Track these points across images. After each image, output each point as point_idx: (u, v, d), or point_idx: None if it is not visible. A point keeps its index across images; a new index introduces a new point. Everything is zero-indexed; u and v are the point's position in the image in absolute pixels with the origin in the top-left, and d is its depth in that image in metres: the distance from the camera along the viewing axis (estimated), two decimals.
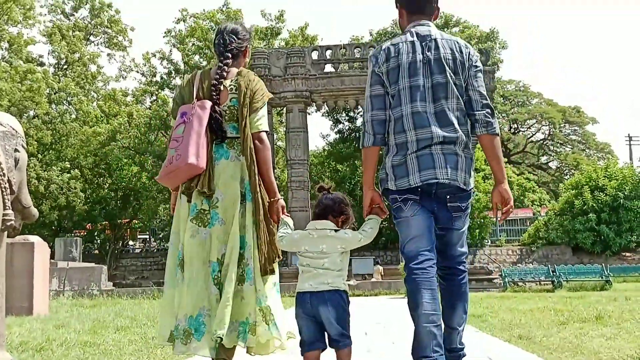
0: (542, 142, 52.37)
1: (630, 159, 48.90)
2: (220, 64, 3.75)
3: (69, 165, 31.62)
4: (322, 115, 37.39)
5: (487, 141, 3.47)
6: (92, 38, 38.32)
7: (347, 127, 38.67)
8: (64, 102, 34.09)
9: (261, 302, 3.54)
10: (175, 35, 34.32)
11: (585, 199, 29.64)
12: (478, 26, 37.20)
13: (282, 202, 3.76)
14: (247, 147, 3.59)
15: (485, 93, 3.52)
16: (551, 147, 52.84)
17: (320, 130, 76.72)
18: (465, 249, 3.62)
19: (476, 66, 3.52)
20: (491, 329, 7.03)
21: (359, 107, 29.26)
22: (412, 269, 3.33)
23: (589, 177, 31.03)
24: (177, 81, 35.29)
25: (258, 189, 3.60)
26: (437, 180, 3.33)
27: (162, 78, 35.41)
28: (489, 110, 3.47)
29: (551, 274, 23.58)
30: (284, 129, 28.09)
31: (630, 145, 51.54)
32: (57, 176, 30.00)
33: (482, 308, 10.69)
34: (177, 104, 3.78)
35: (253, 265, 3.56)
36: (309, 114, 30.19)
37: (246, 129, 3.60)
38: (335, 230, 3.44)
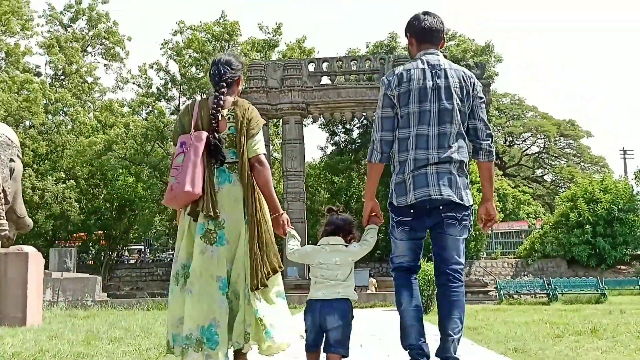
0: (537, 155, 52.49)
1: (625, 172, 49.00)
2: (216, 94, 4.05)
3: (64, 176, 31.52)
4: (319, 127, 37.45)
5: (486, 167, 3.93)
6: (89, 49, 38.31)
7: (343, 139, 38.71)
8: (61, 112, 34.02)
9: (257, 313, 3.90)
10: (172, 47, 34.32)
11: (581, 210, 29.68)
12: (474, 40, 37.39)
13: (285, 216, 4.10)
14: (244, 172, 3.96)
15: (488, 123, 3.92)
16: (546, 160, 52.96)
17: (315, 142, 77.01)
18: (461, 259, 3.87)
19: (481, 97, 3.90)
20: (486, 342, 7.02)
21: (355, 119, 29.33)
22: (396, 277, 3.93)
23: (585, 190, 31.09)
24: (174, 92, 35.25)
25: (253, 212, 3.96)
26: (430, 197, 3.70)
27: (158, 89, 35.39)
28: (491, 140, 3.90)
29: (546, 286, 23.59)
30: (280, 140, 28.10)
31: (624, 158, 51.71)
32: (52, 186, 29.89)
33: (478, 320, 10.68)
34: (177, 132, 4.11)
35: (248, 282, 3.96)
36: (305, 125, 30.22)
37: (244, 156, 3.97)
38: (345, 246, 3.88)
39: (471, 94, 3.83)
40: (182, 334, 3.80)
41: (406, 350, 3.79)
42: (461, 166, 3.79)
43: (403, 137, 3.78)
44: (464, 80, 3.83)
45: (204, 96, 3.83)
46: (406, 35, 4.15)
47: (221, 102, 4.03)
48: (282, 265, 4.08)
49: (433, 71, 3.81)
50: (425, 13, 4.04)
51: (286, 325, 3.98)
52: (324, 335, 3.70)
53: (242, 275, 3.92)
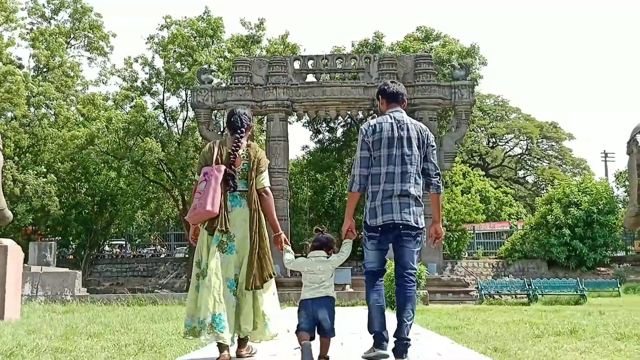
0: (519, 156, 52.87)
1: (606, 175, 49.53)
2: (236, 136, 5.28)
3: (45, 170, 31.15)
4: (303, 125, 37.40)
5: (434, 197, 5.22)
6: (72, 42, 37.89)
7: (327, 137, 38.67)
8: (43, 105, 33.60)
9: (261, 307, 5.11)
10: (157, 41, 34.01)
11: (557, 215, 29.89)
12: (458, 41, 37.46)
13: (283, 235, 5.34)
14: (252, 199, 5.16)
15: (437, 164, 5.18)
16: (528, 162, 53.37)
17: (298, 140, 76.93)
18: (415, 266, 5.12)
19: (432, 145, 5.16)
20: (467, 341, 7.05)
21: (340, 117, 29.33)
22: (367, 279, 5.12)
23: (563, 193, 31.32)
24: (159, 87, 34.95)
25: (256, 230, 5.13)
26: (393, 221, 4.95)
27: (143, 83, 35.06)
28: (439, 177, 5.16)
29: (527, 287, 23.79)
30: (265, 137, 28.03)
31: (605, 161, 52.24)
32: (33, 180, 29.54)
33: (458, 320, 10.72)
34: (200, 164, 5.29)
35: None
36: (290, 123, 30.14)
37: (252, 187, 5.18)
38: (327, 257, 5.10)
39: (425, 142, 5.10)
40: (199, 318, 4.89)
41: (371, 334, 4.97)
42: (417, 198, 5.02)
43: (375, 173, 5.01)
44: (420, 132, 5.10)
45: (223, 138, 4.97)
46: (378, 98, 5.44)
47: (239, 143, 5.23)
48: (275, 272, 5.27)
49: (398, 125, 5.06)
50: (392, 82, 5.42)
51: (279, 319, 5.20)
52: (316, 323, 4.87)
53: (247, 280, 5.03)
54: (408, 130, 5.05)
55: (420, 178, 5.06)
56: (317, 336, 4.95)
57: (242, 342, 5.20)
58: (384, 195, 4.94)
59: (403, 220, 4.93)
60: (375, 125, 5.09)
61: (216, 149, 5.23)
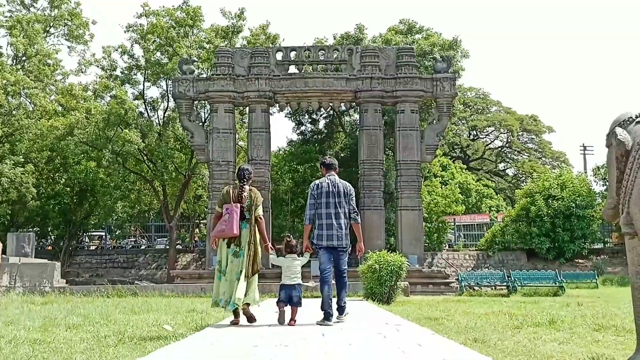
0: (500, 149, 53.21)
1: (585, 168, 49.98)
2: (241, 184, 8.05)
3: (22, 160, 30.68)
4: (285, 116, 37.29)
5: (355, 226, 8.23)
6: (52, 30, 37.36)
7: (309, 129, 38.58)
8: (20, 95, 33.03)
9: (250, 286, 7.94)
10: (136, 30, 33.58)
11: (540, 206, 30.17)
12: (441, 34, 37.45)
13: (269, 244, 8.14)
14: (251, 223, 7.94)
15: (355, 206, 8.24)
16: (509, 155, 53.72)
17: (280, 131, 76.71)
18: (345, 267, 8.21)
19: (351, 194, 8.20)
20: (447, 332, 7.10)
21: (322, 109, 29.29)
22: (322, 275, 8.13)
23: (542, 186, 31.57)
24: (139, 77, 34.56)
25: (252, 241, 7.90)
26: (333, 245, 8.02)
27: (123, 72, 34.63)
28: (356, 213, 8.22)
29: (506, 279, 23.98)
30: (246, 128, 27.81)
31: (584, 154, 52.71)
32: (9, 170, 29.09)
33: (439, 311, 10.80)
34: (221, 201, 8.01)
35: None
36: (272, 114, 30.02)
37: (252, 216, 7.95)
38: (297, 258, 8.09)
39: (348, 193, 8.16)
40: (223, 298, 7.77)
41: (322, 311, 7.86)
42: (346, 229, 8.04)
43: (320, 213, 8.04)
44: (345, 188, 8.16)
45: (232, 185, 9.30)
46: (320, 167, 8.71)
47: (244, 189, 8.01)
48: (261, 268, 8.08)
49: (332, 184, 8.13)
50: (329, 156, 8.96)
51: (257, 293, 8.09)
52: (289, 298, 7.80)
53: (245, 271, 7.78)
54: (338, 187, 8.12)
55: (347, 215, 8.10)
56: (289, 308, 7.84)
57: (246, 306, 7.90)
58: (327, 228, 7.99)
59: (339, 244, 8.03)
60: (318, 184, 8.18)
61: (232, 192, 8.02)
